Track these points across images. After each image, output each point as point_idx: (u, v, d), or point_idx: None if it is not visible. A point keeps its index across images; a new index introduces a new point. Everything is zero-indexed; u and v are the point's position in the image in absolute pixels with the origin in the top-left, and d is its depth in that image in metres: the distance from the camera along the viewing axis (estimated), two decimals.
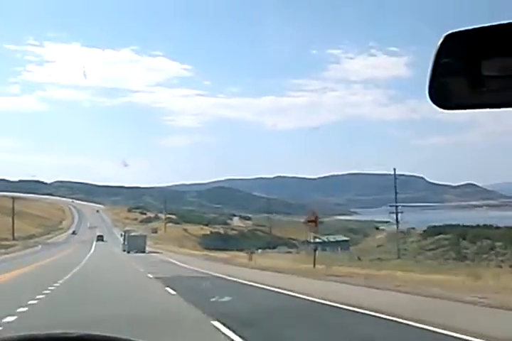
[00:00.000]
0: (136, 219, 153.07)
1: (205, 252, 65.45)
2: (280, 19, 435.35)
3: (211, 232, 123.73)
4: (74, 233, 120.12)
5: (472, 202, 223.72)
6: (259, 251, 72.60)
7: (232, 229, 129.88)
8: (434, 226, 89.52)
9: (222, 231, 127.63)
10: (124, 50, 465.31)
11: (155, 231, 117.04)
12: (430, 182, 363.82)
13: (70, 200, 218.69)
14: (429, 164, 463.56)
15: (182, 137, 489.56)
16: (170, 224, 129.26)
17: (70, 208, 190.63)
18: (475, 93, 1.40)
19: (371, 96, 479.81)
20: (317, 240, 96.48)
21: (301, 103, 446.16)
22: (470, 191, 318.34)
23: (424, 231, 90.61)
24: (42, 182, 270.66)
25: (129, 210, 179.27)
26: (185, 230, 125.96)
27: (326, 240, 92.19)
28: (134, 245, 69.16)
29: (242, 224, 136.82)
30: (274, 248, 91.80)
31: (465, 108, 1.47)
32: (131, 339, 1.45)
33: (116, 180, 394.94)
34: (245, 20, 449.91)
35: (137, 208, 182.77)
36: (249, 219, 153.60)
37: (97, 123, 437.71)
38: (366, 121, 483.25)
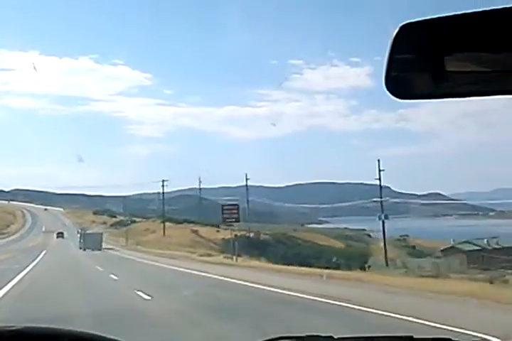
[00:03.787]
0: (105, 223, 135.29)
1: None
2: (242, 29, 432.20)
3: (235, 236, 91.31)
4: None
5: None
6: None
7: (264, 234, 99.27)
8: None
9: (250, 234, 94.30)
10: (82, 58, 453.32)
11: None
12: (396, 192, 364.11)
13: (6, 202, 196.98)
14: (394, 174, 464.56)
15: (144, 146, 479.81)
16: (169, 224, 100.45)
17: (22, 212, 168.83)
18: (432, 85, 1.42)
19: (333, 106, 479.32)
20: (473, 247, 62.76)
21: (263, 113, 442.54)
22: (437, 200, 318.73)
23: None
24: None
25: (95, 213, 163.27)
26: (195, 232, 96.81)
27: (487, 246, 65.43)
28: (90, 242, 69.08)
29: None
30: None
31: (423, 98, 1.48)
32: (81, 330, 1.47)
33: (76, 188, 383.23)
34: (206, 29, 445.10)
35: (104, 211, 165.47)
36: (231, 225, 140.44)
37: (56, 132, 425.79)
38: (329, 131, 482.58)
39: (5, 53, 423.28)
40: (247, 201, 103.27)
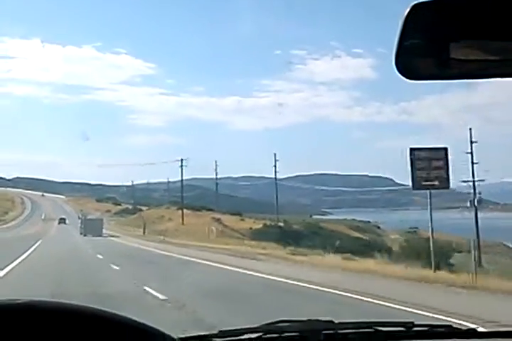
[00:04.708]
0: (109, 211, 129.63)
1: None
2: (244, 19, 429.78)
3: (265, 225, 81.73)
4: None
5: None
6: None
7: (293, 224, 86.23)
8: None
9: (281, 224, 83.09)
10: (86, 46, 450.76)
11: None
12: (399, 184, 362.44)
13: (4, 188, 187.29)
14: (397, 165, 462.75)
15: (146, 136, 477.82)
16: (187, 212, 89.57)
17: (22, 199, 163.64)
18: (442, 66, 1.39)
19: (336, 98, 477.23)
20: None
21: (267, 103, 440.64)
22: (439, 192, 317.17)
23: None
24: (1, 178, 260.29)
25: (98, 201, 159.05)
26: (217, 220, 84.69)
27: None
28: (91, 228, 69.24)
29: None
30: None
31: (432, 79, 1.46)
32: (84, 305, 1.45)
33: (79, 177, 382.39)
34: (210, 19, 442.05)
35: (108, 199, 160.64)
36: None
37: (59, 121, 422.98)
38: (332, 122, 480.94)
39: (7, 41, 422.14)
40: (276, 189, 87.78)
